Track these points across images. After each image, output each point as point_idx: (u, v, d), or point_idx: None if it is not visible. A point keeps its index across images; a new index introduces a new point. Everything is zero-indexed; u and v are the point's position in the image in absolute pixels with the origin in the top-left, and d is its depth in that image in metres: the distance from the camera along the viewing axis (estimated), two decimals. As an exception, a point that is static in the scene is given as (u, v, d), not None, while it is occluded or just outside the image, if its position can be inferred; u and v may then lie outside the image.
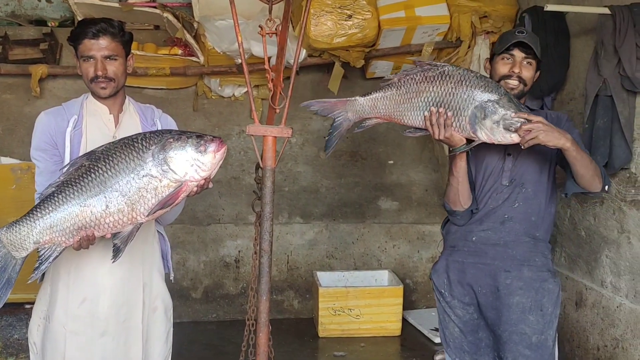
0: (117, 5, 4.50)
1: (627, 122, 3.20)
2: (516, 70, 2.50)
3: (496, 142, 2.36)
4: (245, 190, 4.98)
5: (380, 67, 4.74)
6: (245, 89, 4.83)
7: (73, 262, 2.35)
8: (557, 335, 2.64)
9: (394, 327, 4.69)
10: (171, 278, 2.68)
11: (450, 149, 2.46)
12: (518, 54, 2.52)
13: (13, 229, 2.02)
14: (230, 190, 4.98)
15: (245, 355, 3.04)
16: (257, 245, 2.65)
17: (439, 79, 2.37)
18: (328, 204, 5.14)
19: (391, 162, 5.18)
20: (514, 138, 2.31)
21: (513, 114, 2.29)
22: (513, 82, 2.52)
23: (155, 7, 4.54)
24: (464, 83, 2.34)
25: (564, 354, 3.76)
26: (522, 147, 2.32)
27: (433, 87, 2.37)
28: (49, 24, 4.70)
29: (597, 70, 3.22)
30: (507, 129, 2.30)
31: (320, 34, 4.24)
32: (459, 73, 2.37)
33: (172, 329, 2.66)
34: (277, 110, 2.66)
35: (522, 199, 2.56)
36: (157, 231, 2.61)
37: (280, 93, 2.60)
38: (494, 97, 2.31)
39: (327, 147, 2.64)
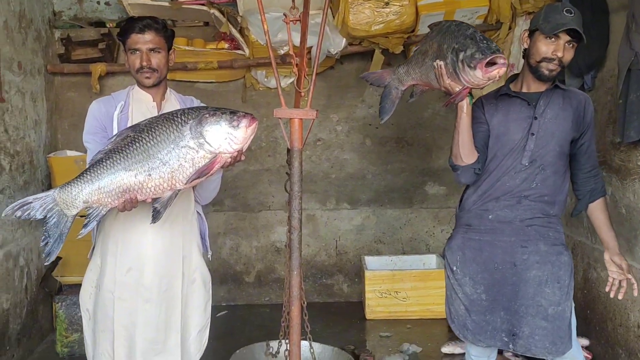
0: (167, 4, 4.74)
1: (661, 96, 3.13)
2: (559, 54, 2.50)
3: (475, 85, 2.32)
4: (293, 177, 5.13)
5: (422, 53, 4.78)
6: (291, 80, 4.97)
7: (119, 236, 2.60)
8: (573, 306, 2.67)
9: (440, 310, 4.66)
10: (209, 256, 2.86)
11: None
12: (564, 36, 2.49)
13: (65, 189, 2.25)
14: (279, 178, 5.12)
15: (284, 331, 3.17)
16: (289, 223, 2.80)
17: (435, 35, 2.50)
18: (375, 190, 5.22)
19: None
20: (477, 75, 2.25)
21: (473, 50, 2.26)
22: (553, 65, 2.52)
23: (203, 4, 4.76)
24: (445, 34, 2.43)
25: (607, 332, 3.71)
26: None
27: (431, 43, 2.50)
28: (107, 25, 4.98)
29: (628, 44, 3.17)
30: (469, 66, 2.26)
31: (358, 22, 4.34)
32: (447, 25, 2.47)
33: (210, 300, 2.84)
34: (302, 94, 2.79)
35: (540, 180, 2.61)
36: (197, 212, 2.80)
37: (304, 77, 2.74)
38: (460, 39, 2.33)
39: (382, 114, 2.84)
